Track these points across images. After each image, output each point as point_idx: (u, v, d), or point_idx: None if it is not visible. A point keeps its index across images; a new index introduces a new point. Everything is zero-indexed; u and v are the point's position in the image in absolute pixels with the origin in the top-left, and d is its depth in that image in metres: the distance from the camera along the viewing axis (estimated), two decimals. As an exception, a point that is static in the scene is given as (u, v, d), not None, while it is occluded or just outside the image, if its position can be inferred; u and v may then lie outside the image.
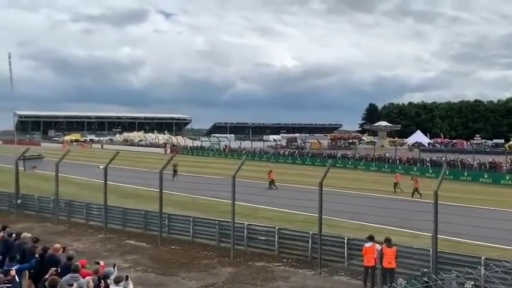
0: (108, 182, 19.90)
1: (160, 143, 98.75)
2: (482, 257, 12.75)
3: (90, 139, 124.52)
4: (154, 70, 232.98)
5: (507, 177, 41.20)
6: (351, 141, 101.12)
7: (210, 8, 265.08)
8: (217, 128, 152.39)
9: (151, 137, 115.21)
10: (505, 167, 44.69)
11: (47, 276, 9.09)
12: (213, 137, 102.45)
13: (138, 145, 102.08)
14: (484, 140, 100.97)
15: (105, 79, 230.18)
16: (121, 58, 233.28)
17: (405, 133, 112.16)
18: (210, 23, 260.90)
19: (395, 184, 31.73)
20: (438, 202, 12.98)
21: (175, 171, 34.73)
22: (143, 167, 39.39)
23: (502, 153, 54.88)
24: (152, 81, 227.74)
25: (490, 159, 48.11)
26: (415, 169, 48.77)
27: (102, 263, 10.07)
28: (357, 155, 60.11)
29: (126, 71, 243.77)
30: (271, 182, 32.51)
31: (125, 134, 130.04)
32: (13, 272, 9.25)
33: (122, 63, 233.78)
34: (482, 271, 12.05)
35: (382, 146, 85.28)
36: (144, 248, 17.48)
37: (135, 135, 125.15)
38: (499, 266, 10.48)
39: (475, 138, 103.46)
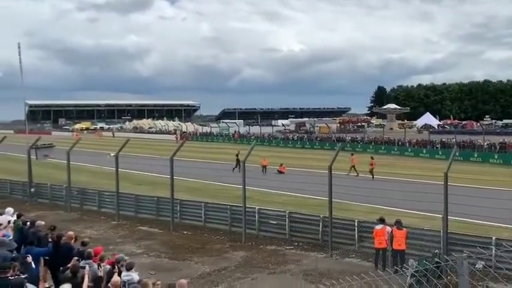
0: (120, 170, 20.06)
1: (170, 129, 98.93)
2: (493, 237, 12.74)
3: (101, 127, 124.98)
4: (161, 57, 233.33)
5: (517, 158, 40.88)
6: (359, 124, 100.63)
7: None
8: (226, 114, 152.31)
9: (161, 124, 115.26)
10: (515, 147, 44.34)
11: (69, 265, 9.18)
12: (222, 122, 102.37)
13: (148, 132, 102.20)
14: (494, 121, 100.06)
15: (113, 67, 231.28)
16: (128, 46, 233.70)
17: (414, 115, 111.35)
18: (215, 9, 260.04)
19: (352, 166, 31.14)
20: (448, 183, 12.96)
21: (238, 162, 30.67)
22: (154, 154, 39.56)
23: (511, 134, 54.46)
24: (160, 69, 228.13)
25: (500, 140, 47.72)
26: (424, 151, 48.57)
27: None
28: (366, 139, 59.87)
29: (134, 59, 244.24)
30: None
31: (135, 122, 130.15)
32: (29, 259, 9.37)
33: (128, 51, 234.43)
34: (493, 251, 12.06)
35: (391, 128, 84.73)
36: (157, 234, 17.65)
37: (145, 123, 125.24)
38: (510, 246, 10.49)
39: (484, 119, 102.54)
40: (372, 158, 31.38)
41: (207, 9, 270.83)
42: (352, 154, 32.74)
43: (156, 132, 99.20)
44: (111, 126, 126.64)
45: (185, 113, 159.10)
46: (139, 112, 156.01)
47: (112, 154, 21.61)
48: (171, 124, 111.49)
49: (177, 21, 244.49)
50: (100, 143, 63.31)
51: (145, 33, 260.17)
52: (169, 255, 14.88)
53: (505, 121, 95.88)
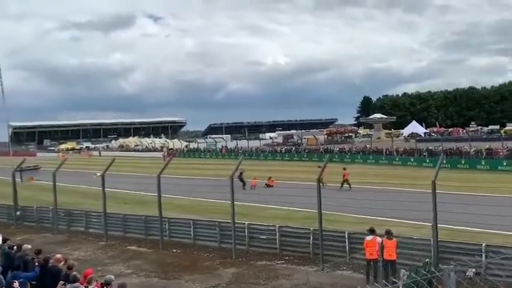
0: (106, 189, 19.90)
1: (156, 147, 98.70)
2: (483, 244, 12.82)
3: (86, 147, 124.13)
4: (146, 75, 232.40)
5: (504, 163, 41.30)
6: (347, 135, 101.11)
7: (197, 10, 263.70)
8: (213, 129, 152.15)
9: (147, 141, 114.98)
10: (502, 153, 44.83)
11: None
12: (209, 138, 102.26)
13: (135, 150, 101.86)
14: (479, 127, 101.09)
15: (97, 86, 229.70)
16: (112, 64, 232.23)
17: (401, 124, 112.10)
18: (199, 24, 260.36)
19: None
20: (437, 191, 13.06)
21: (242, 180, 30.61)
22: (141, 172, 39.33)
23: (498, 139, 55.04)
24: (145, 86, 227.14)
25: (487, 146, 48.22)
26: (412, 159, 48.93)
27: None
28: (354, 149, 60.19)
29: (118, 77, 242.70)
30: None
31: (121, 140, 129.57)
32: (16, 284, 9.25)
33: (113, 70, 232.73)
34: (484, 258, 12.13)
35: (379, 138, 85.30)
36: (146, 253, 17.52)
37: (131, 141, 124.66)
38: (499, 253, 10.57)
39: (470, 125, 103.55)
40: (345, 168, 31.52)
41: (191, 26, 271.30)
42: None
43: (142, 150, 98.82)
44: (97, 145, 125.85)
45: (171, 129, 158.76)
46: (126, 130, 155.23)
47: (98, 174, 21.45)
48: (158, 141, 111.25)
49: (160, 38, 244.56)
50: (86, 162, 62.86)
51: (129, 50, 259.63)
52: (159, 275, 14.75)
53: (491, 127, 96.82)
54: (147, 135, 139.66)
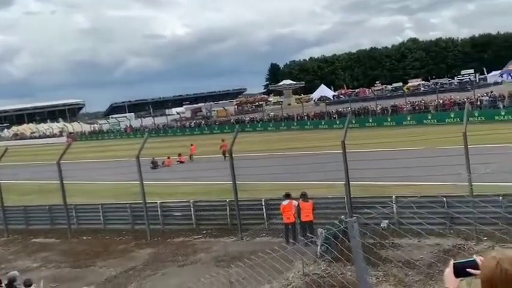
0: (2, 182, 18.89)
1: (55, 132, 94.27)
2: (393, 196, 13.66)
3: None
4: (34, 56, 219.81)
5: (408, 118, 44.10)
6: (257, 104, 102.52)
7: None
8: (115, 109, 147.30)
9: (44, 127, 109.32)
10: (405, 109, 47.80)
11: None
12: (112, 118, 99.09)
13: (31, 138, 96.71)
14: (384, 86, 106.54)
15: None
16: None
17: (310, 89, 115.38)
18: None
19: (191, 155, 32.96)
20: (347, 151, 13.67)
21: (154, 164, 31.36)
22: (40, 160, 37.41)
23: (401, 96, 58.50)
24: (34, 69, 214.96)
25: (392, 103, 51.13)
26: (323, 122, 50.75)
27: None
28: (265, 117, 61.22)
29: (2, 61, 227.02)
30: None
31: (14, 128, 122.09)
32: None
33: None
34: (395, 209, 12.96)
35: (289, 104, 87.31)
36: (54, 244, 16.93)
37: (26, 128, 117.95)
38: (407, 202, 11.33)
39: (375, 85, 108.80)
40: (223, 140, 31.92)
41: (79, 0, 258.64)
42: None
43: (40, 137, 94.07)
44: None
45: (69, 112, 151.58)
46: (18, 117, 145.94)
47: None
48: (56, 126, 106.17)
49: (46, 15, 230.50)
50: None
51: (12, 31, 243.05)
52: (70, 264, 14.30)
53: (394, 85, 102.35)
54: (43, 121, 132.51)
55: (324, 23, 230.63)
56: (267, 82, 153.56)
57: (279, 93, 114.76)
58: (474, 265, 1.98)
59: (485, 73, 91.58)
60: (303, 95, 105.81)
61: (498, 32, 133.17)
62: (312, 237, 11.85)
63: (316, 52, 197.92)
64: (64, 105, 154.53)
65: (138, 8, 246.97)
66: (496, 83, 66.61)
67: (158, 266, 13.21)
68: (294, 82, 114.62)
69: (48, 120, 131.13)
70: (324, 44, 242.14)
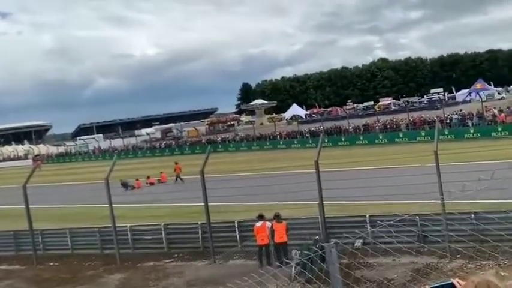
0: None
1: (20, 155, 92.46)
2: (367, 215, 13.78)
3: None
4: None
5: (380, 137, 44.74)
6: (229, 123, 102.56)
7: (52, 2, 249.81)
8: (83, 130, 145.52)
9: (9, 150, 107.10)
10: (377, 127, 48.53)
11: None
12: (79, 140, 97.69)
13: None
14: (355, 105, 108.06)
15: None
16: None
17: (282, 108, 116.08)
18: (55, 18, 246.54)
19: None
20: (320, 170, 13.77)
21: (125, 185, 31.27)
22: (5, 184, 36.60)
23: (373, 115, 59.45)
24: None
25: (363, 122, 51.86)
26: (296, 142, 51.05)
27: None
28: (238, 137, 61.26)
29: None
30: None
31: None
32: None
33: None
34: (369, 228, 13.05)
35: (262, 123, 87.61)
36: (19, 271, 16.52)
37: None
38: (382, 221, 11.45)
39: (347, 104, 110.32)
40: (176, 163, 33.18)
41: (45, 20, 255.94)
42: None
43: (4, 160, 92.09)
44: None
45: (36, 134, 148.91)
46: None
47: None
48: (21, 148, 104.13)
49: (11, 36, 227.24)
50: None
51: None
52: (35, 293, 13.91)
53: (366, 104, 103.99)
54: (8, 143, 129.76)
55: (295, 43, 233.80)
56: (239, 102, 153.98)
57: (251, 112, 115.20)
58: None
59: (454, 92, 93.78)
60: (275, 114, 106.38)
61: (466, 51, 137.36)
62: (287, 259, 11.81)
63: (288, 71, 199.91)
64: (30, 126, 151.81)
65: (106, 27, 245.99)
66: (464, 102, 68.25)
67: (128, 292, 12.97)
68: (266, 101, 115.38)
69: (13, 143, 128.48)
70: (294, 63, 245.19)
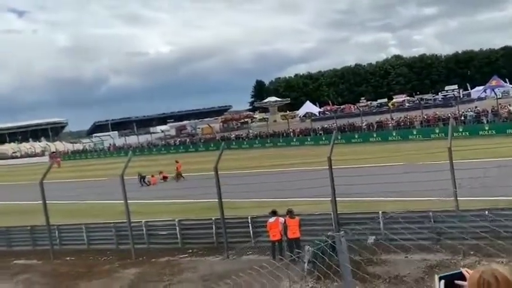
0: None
1: (37, 152, 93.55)
2: (380, 212, 13.74)
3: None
4: (16, 74, 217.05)
5: (394, 134, 44.49)
6: (243, 121, 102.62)
7: (68, 0, 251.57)
8: (99, 127, 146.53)
9: (27, 147, 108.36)
10: (390, 124, 48.28)
11: None
12: (95, 137, 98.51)
13: (13, 158, 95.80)
14: (369, 102, 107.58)
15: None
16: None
17: (295, 105, 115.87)
18: (70, 16, 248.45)
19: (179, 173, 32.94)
20: (333, 167, 13.77)
21: (142, 180, 31.86)
22: (23, 180, 37.04)
23: (386, 112, 59.12)
24: (16, 87, 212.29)
25: (377, 119, 51.61)
26: (309, 139, 50.96)
27: None
28: (251, 134, 61.31)
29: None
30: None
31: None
32: None
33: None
34: (381, 224, 13.03)
35: (275, 121, 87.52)
36: (36, 265, 16.72)
37: (8, 148, 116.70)
38: (392, 218, 11.43)
39: (360, 101, 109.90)
40: (177, 161, 33.52)
41: (61, 18, 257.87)
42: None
43: (22, 157, 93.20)
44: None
45: (52, 131, 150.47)
46: (0, 137, 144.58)
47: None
48: (38, 146, 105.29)
49: (28, 34, 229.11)
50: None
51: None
52: (53, 286, 14.16)
53: (379, 101, 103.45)
54: (25, 140, 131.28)
55: (309, 40, 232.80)
56: (253, 99, 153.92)
57: (264, 110, 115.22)
58: (461, 277, 2.08)
59: (469, 89, 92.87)
60: (288, 112, 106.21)
61: (480, 48, 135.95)
62: (299, 253, 11.84)
63: (301, 69, 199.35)
64: (47, 124, 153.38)
65: (120, 25, 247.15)
66: (479, 99, 67.60)
67: (144, 286, 13.09)
68: (280, 99, 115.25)
69: (31, 140, 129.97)
70: (308, 61, 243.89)
